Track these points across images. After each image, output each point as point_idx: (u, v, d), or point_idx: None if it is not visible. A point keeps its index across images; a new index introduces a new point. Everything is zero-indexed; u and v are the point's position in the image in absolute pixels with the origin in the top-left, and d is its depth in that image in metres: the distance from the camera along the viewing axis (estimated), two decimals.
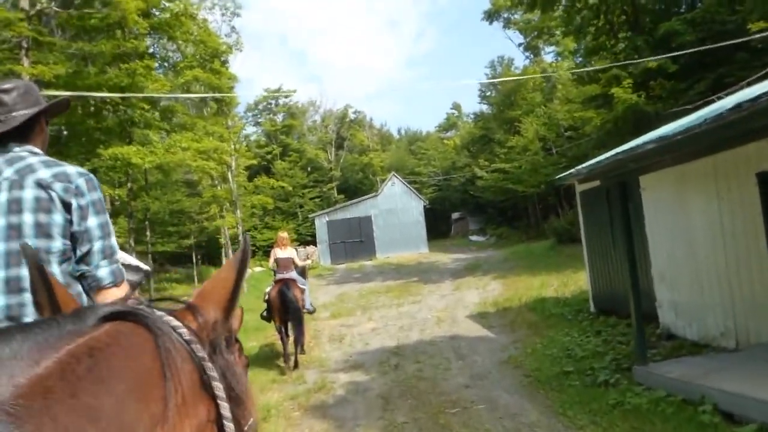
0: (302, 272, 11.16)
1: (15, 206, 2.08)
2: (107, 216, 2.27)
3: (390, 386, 7.86)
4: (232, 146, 29.16)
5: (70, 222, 2.14)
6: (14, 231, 2.07)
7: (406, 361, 9.39)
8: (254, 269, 45.68)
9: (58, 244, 2.11)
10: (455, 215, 57.76)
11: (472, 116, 61.18)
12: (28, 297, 2.01)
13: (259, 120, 65.73)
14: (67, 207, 2.14)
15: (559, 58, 39.42)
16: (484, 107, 50.81)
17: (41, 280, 0.99)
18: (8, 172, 2.13)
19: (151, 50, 20.67)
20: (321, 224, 37.24)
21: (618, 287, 10.37)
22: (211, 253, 45.35)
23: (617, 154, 6.04)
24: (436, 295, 17.94)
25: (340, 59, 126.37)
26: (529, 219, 43.00)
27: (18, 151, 2.22)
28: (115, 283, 2.21)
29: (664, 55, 16.52)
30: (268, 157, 60.34)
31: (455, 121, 72.75)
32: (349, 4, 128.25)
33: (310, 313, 11.30)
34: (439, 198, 54.96)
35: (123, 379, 0.76)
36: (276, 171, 55.07)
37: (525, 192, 35.40)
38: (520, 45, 37.36)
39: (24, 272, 2.02)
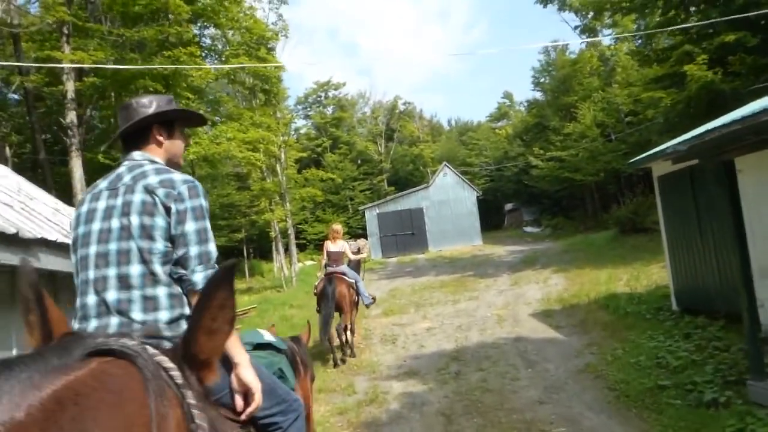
0: (357, 266, 11.10)
1: (126, 209, 2.23)
2: (207, 223, 2.33)
3: (451, 399, 6.92)
4: (281, 138, 28.61)
5: (170, 225, 2.24)
6: (125, 232, 2.21)
7: (468, 367, 8.42)
8: (305, 263, 45.53)
9: (159, 246, 2.21)
10: (508, 206, 56.38)
11: (524, 104, 59.39)
12: (136, 294, 2.16)
13: (309, 113, 65.48)
14: (167, 211, 2.23)
15: (617, 41, 37.50)
16: (538, 94, 49.02)
17: (35, 299, 0.93)
18: (127, 178, 2.31)
19: (197, 40, 20.10)
20: (371, 217, 36.42)
21: (706, 282, 9.15)
22: (262, 247, 45.29)
23: (730, 124, 4.93)
24: (493, 291, 16.87)
25: (390, 51, 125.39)
26: (586, 209, 41.28)
27: (138, 159, 2.41)
28: None
29: (738, 16, 14.89)
30: (318, 149, 60.08)
31: (507, 111, 71.02)
32: None
33: (368, 306, 11.03)
34: (491, 189, 53.55)
35: (107, 430, 0.70)
36: (326, 163, 54.68)
37: (583, 181, 33.80)
38: (576, 28, 35.50)
39: (132, 270, 2.18)
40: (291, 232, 32.25)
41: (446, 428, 5.97)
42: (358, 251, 12.13)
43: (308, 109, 65.07)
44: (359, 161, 60.90)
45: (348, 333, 10.38)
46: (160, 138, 2.50)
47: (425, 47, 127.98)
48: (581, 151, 33.66)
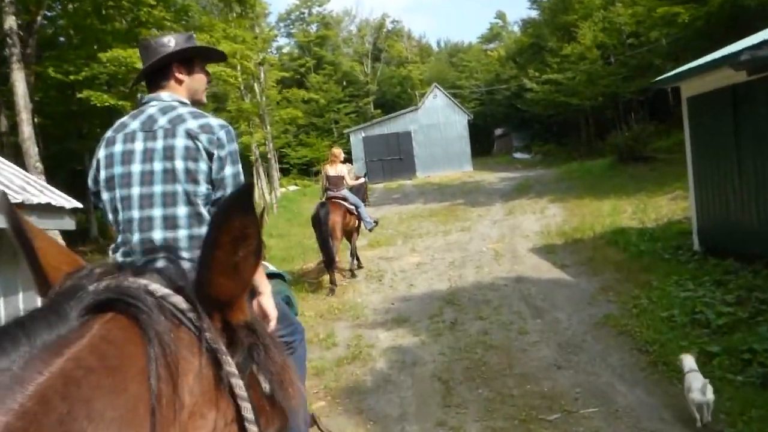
0: (359, 191, 10.82)
1: (169, 153, 2.33)
2: (240, 166, 2.49)
3: (448, 358, 5.78)
4: (260, 55, 26.62)
5: (211, 170, 2.36)
6: (169, 175, 2.33)
7: (465, 315, 7.28)
8: (288, 188, 44.17)
9: (203, 188, 2.35)
10: (498, 131, 54.91)
11: (519, 23, 56.84)
12: (182, 233, 2.32)
13: (292, 31, 62.44)
14: (210, 156, 2.35)
15: None
16: (534, 13, 46.58)
17: (17, 236, 0.85)
18: (162, 120, 2.39)
19: None
20: (357, 140, 34.73)
21: (741, 221, 7.97)
22: (243, 171, 43.72)
23: None
24: (487, 221, 15.72)
25: None
26: (579, 135, 39.90)
27: (169, 100, 2.47)
28: None
29: None
30: (302, 70, 57.60)
31: (499, 32, 68.39)
32: None
33: (370, 230, 10.99)
34: (481, 113, 51.66)
35: (107, 426, 0.61)
36: (309, 84, 52.35)
37: (579, 105, 32.21)
38: None
39: (179, 211, 2.33)
40: (272, 155, 30.70)
41: (444, 401, 4.83)
42: (361, 176, 11.66)
43: (291, 26, 61.95)
44: (344, 83, 58.61)
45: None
46: (180, 76, 2.52)
47: None
48: (579, 74, 31.95)
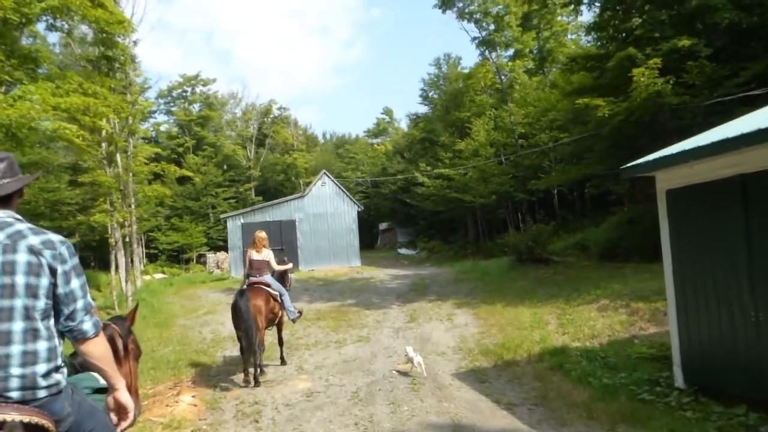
0: (281, 277, 10.20)
1: (9, 268, 2.31)
2: (84, 277, 2.53)
3: None
4: (129, 121, 23.40)
5: (54, 284, 2.38)
6: (8, 290, 2.29)
7: None
8: (153, 276, 39.56)
9: (41, 303, 2.34)
10: (383, 225, 53.71)
11: (407, 118, 57.25)
12: (17, 349, 2.27)
13: (172, 108, 59.21)
14: (53, 272, 2.38)
15: (515, 58, 35.71)
16: (424, 109, 46.64)
17: None
18: (0, 236, 2.38)
19: None
20: (234, 227, 31.43)
21: (753, 352, 5.91)
22: (103, 256, 39.06)
23: None
24: (387, 329, 13.11)
25: (266, 61, 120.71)
26: (467, 233, 39.13)
27: (3, 216, 2.48)
28: (97, 334, 2.53)
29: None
30: (180, 149, 54.26)
31: (386, 127, 69.02)
32: (278, 7, 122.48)
33: (294, 321, 10.39)
34: (366, 206, 50.41)
35: None
36: (187, 165, 48.88)
37: (472, 202, 31.21)
38: (474, 39, 33.24)
39: (14, 327, 2.28)
40: (134, 239, 26.85)
41: None
42: (285, 261, 10.70)
43: (171, 104, 58.81)
44: (225, 166, 55.71)
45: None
46: (18, 199, 2.66)
47: (302, 61, 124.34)
48: (471, 170, 31.16)
